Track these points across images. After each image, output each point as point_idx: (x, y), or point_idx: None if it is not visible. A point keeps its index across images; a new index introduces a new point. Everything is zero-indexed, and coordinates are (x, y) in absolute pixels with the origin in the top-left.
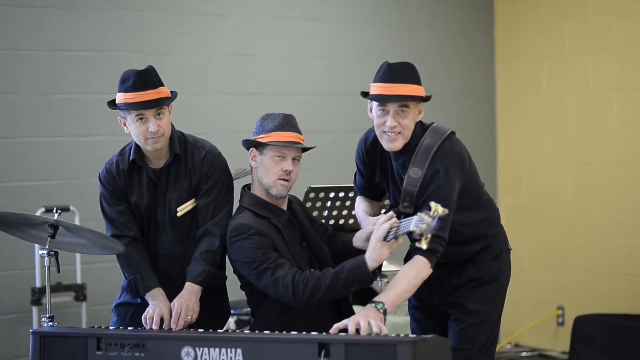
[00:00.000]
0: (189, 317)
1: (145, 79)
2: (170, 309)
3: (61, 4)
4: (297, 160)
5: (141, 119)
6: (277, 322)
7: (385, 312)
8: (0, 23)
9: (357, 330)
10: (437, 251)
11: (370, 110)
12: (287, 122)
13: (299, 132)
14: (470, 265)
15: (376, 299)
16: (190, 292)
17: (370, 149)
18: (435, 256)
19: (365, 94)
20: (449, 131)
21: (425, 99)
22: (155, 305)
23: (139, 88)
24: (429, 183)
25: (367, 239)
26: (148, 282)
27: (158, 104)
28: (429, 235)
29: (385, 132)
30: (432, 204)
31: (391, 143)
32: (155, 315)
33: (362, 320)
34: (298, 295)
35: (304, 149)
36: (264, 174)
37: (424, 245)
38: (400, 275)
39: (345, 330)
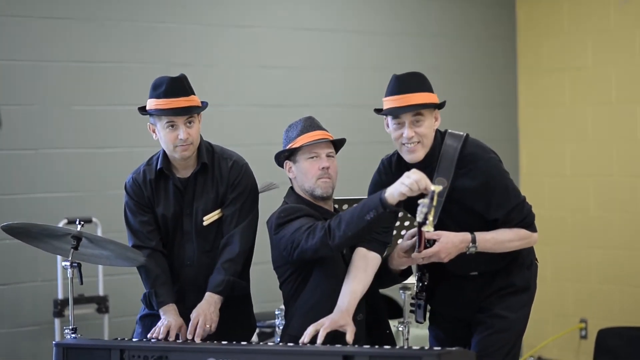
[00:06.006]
0: (208, 327)
1: (178, 86)
2: (179, 323)
3: (82, 15)
4: (332, 156)
5: (172, 125)
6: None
7: (474, 241)
8: (22, 34)
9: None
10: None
11: (387, 126)
12: (310, 123)
13: (324, 129)
14: (503, 272)
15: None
16: (209, 302)
17: (396, 172)
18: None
19: (378, 111)
20: (465, 134)
21: (440, 105)
22: (165, 319)
23: (172, 94)
24: (490, 192)
25: (400, 256)
26: (161, 297)
27: (189, 112)
28: (430, 217)
29: (403, 144)
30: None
31: (412, 154)
32: (162, 328)
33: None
34: (320, 235)
35: (335, 145)
36: (304, 179)
37: (430, 227)
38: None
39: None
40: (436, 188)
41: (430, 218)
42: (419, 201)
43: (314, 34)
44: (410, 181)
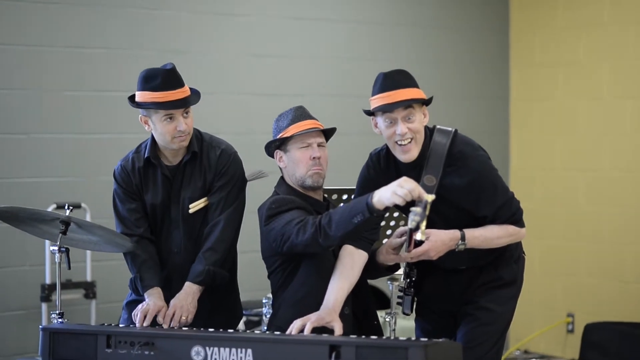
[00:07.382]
0: (184, 318)
1: (173, 77)
2: (158, 307)
3: (76, 1)
4: (323, 146)
5: (170, 117)
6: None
7: (463, 238)
8: (16, 20)
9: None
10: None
11: (375, 126)
12: (301, 113)
13: (314, 118)
14: (490, 266)
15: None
16: (187, 293)
17: (385, 167)
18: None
19: (368, 112)
20: (454, 130)
21: (427, 101)
22: (145, 303)
23: (168, 87)
24: (478, 190)
25: (388, 252)
26: (146, 281)
27: (188, 103)
28: (423, 225)
29: (397, 142)
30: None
31: (406, 154)
32: (139, 312)
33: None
34: (311, 231)
35: (326, 134)
36: (295, 169)
37: (421, 236)
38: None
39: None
40: (429, 197)
41: (423, 227)
42: (412, 209)
43: (306, 23)
44: (404, 192)
